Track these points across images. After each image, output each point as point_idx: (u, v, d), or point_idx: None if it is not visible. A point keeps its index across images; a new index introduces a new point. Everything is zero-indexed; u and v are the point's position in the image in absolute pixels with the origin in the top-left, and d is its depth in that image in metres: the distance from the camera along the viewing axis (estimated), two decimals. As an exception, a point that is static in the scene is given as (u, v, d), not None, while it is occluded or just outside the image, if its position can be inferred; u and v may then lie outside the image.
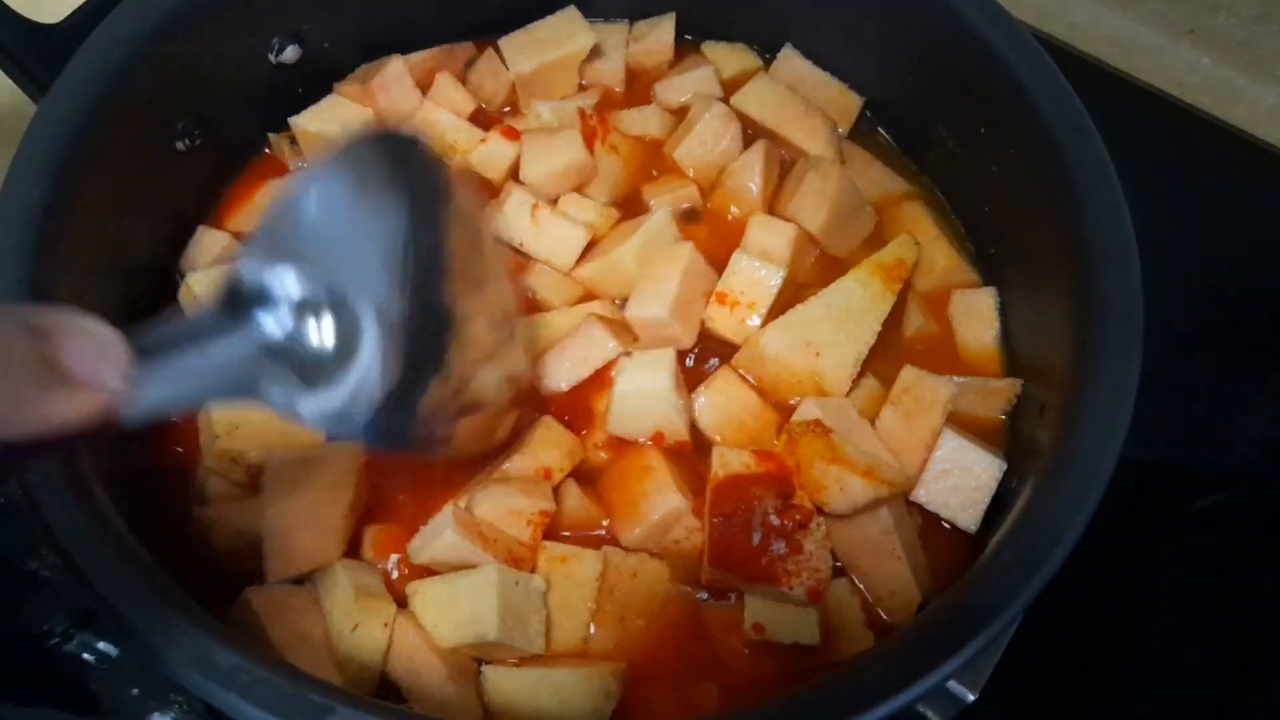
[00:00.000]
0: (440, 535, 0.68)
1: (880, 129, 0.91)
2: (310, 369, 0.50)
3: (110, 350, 0.40)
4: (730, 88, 0.91)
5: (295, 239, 0.51)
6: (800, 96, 0.88)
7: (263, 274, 0.50)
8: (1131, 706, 0.72)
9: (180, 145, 0.81)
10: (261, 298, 0.49)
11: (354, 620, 0.66)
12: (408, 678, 0.67)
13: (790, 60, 0.91)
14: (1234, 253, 1.01)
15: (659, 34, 0.93)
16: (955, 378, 0.76)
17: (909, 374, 0.74)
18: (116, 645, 0.78)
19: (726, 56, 0.94)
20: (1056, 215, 0.71)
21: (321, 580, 0.68)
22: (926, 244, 0.83)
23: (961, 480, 0.71)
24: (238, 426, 0.72)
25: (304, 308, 0.50)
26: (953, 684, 0.61)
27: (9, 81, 0.80)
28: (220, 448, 0.71)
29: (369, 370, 0.51)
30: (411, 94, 0.88)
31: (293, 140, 0.86)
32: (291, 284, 0.50)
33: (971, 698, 0.62)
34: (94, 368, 0.39)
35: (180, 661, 0.54)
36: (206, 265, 0.81)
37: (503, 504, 0.70)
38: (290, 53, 0.85)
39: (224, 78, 0.82)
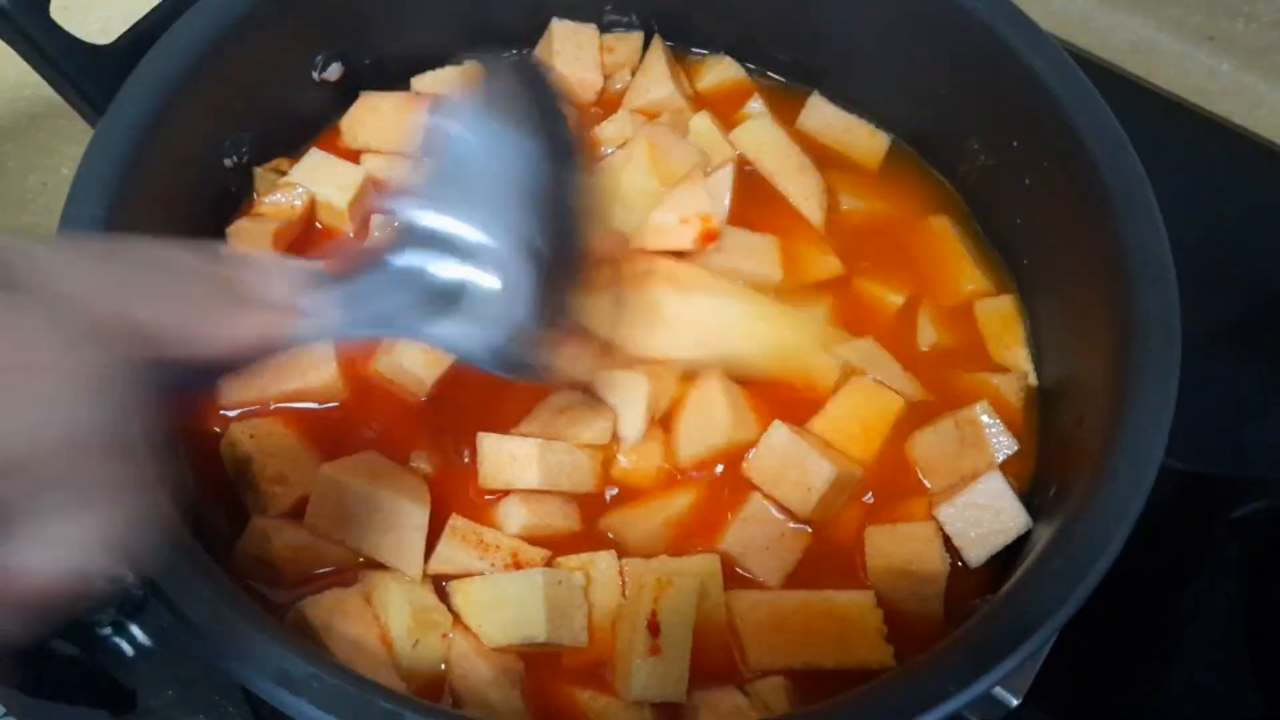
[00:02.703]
0: (436, 549, 0.71)
1: (909, 143, 0.92)
2: (451, 298, 0.55)
3: (286, 276, 0.46)
4: (708, 98, 0.92)
5: (447, 179, 0.55)
6: (797, 150, 0.89)
7: (423, 217, 0.54)
8: (1172, 711, 0.73)
9: (228, 162, 0.83)
10: (422, 239, 0.54)
11: (415, 636, 0.68)
12: (459, 682, 0.69)
13: (818, 107, 0.92)
14: (1257, 257, 1.02)
15: (630, 45, 0.93)
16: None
17: (983, 411, 0.76)
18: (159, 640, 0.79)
19: (710, 66, 0.94)
20: (1092, 229, 0.72)
21: (377, 597, 0.70)
22: (953, 260, 0.85)
23: (986, 518, 0.72)
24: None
25: (456, 248, 0.55)
26: (997, 689, 0.63)
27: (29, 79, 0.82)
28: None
29: (510, 304, 0.55)
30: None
31: (278, 170, 0.86)
32: (449, 228, 0.54)
33: (1015, 702, 0.64)
34: (272, 290, 0.45)
35: (254, 670, 0.56)
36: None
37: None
38: (334, 69, 0.87)
39: (270, 95, 0.84)
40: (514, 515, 0.73)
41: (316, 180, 0.84)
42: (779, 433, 0.75)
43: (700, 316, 0.80)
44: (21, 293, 0.36)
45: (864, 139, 0.91)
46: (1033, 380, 0.81)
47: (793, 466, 0.74)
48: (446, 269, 0.54)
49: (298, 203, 0.83)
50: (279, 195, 0.83)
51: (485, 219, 0.55)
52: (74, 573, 0.36)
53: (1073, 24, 1.22)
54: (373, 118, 0.87)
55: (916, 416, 0.79)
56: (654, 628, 0.68)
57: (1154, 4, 1.22)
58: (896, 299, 0.84)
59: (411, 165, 0.58)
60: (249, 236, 0.81)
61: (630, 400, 0.76)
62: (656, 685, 0.67)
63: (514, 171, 0.56)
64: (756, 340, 0.81)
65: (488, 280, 0.55)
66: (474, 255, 0.55)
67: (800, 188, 0.87)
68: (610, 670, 0.70)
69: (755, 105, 0.92)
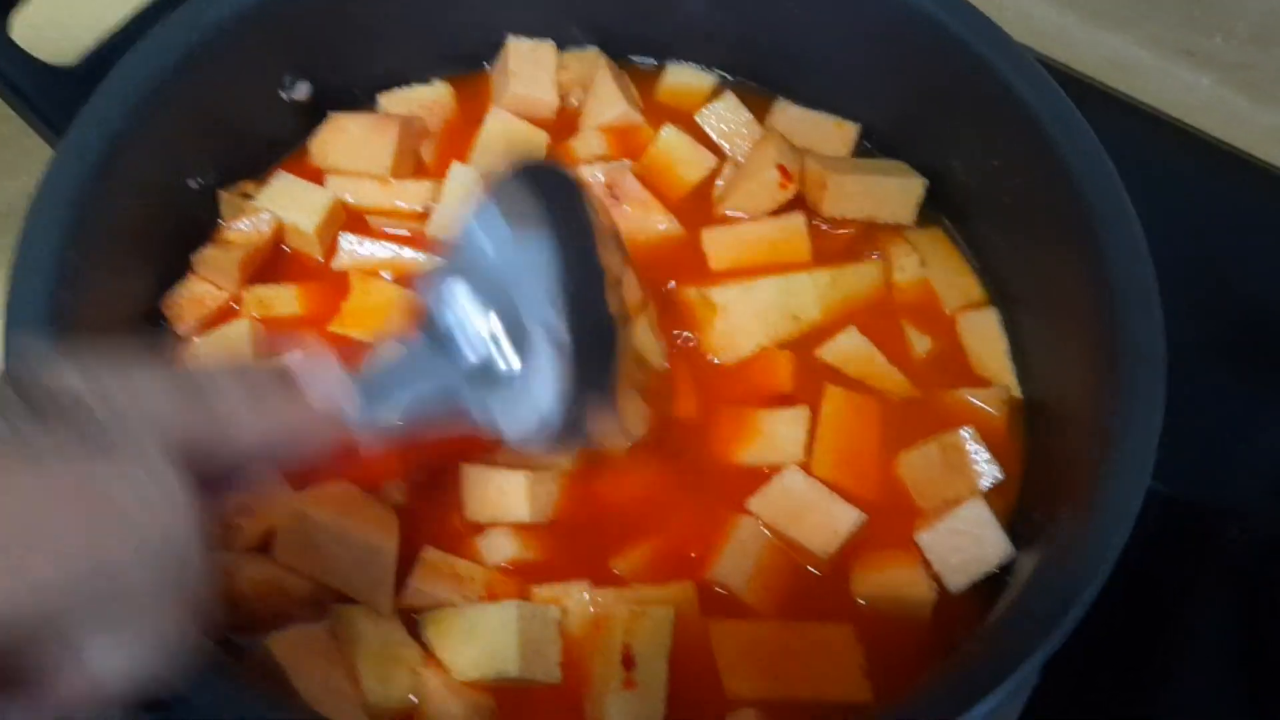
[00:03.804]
0: (406, 583, 0.70)
1: (889, 159, 0.90)
2: (497, 387, 0.58)
3: (339, 380, 0.51)
4: (669, 107, 0.91)
5: (469, 274, 0.58)
6: (763, 127, 0.90)
7: (451, 306, 0.58)
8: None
9: (193, 184, 0.81)
10: (450, 328, 0.58)
11: (383, 673, 0.67)
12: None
13: (783, 111, 0.92)
14: (1234, 272, 1.01)
15: (584, 62, 0.92)
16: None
17: (969, 438, 0.74)
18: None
19: (670, 74, 0.94)
20: (1074, 250, 0.71)
21: (344, 632, 0.68)
22: (953, 268, 0.85)
23: (968, 545, 0.71)
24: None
25: (490, 333, 0.58)
26: (984, 722, 0.62)
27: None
28: None
29: (550, 384, 0.58)
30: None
31: (244, 195, 0.84)
32: (476, 313, 0.58)
33: (1001, 737, 0.63)
34: (328, 396, 0.50)
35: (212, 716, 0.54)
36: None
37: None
38: (302, 90, 0.85)
39: (236, 116, 0.83)
40: (501, 547, 0.72)
41: (283, 205, 0.82)
42: (794, 477, 0.74)
43: (767, 299, 0.82)
44: (102, 432, 0.40)
45: (831, 130, 0.90)
46: (1016, 393, 0.80)
47: (812, 509, 0.73)
48: (475, 349, 0.57)
49: (264, 228, 0.81)
50: (245, 221, 0.81)
51: (506, 301, 0.58)
52: (135, 679, 0.39)
53: (1052, 39, 1.21)
54: (342, 139, 0.85)
55: (904, 427, 0.78)
56: (628, 661, 0.67)
57: (1133, 20, 1.23)
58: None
59: (435, 259, 0.61)
60: (215, 264, 0.80)
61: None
62: None
63: (531, 259, 0.59)
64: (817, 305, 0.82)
65: (515, 358, 0.58)
66: (500, 335, 0.58)
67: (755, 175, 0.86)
68: (585, 705, 0.68)
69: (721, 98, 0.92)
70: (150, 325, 0.79)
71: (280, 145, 0.87)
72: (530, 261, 0.59)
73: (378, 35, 0.87)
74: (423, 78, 0.91)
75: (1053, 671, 0.63)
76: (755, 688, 0.68)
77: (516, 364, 0.58)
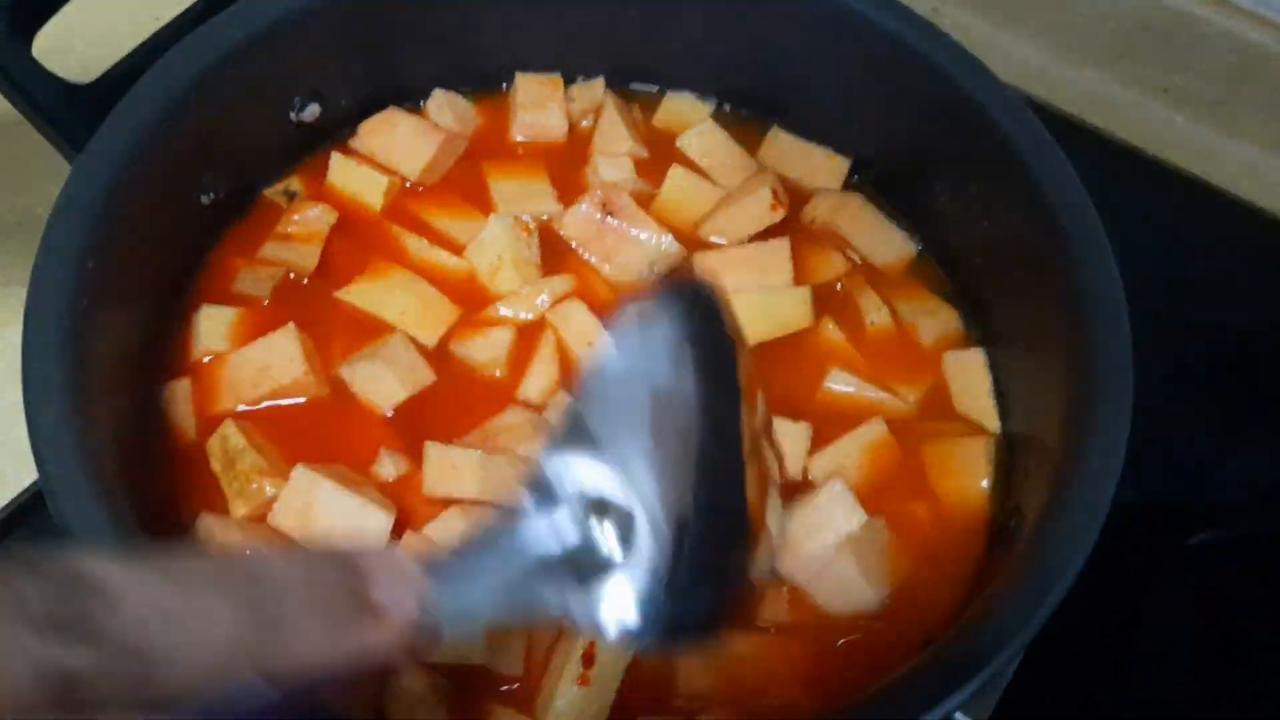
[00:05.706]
0: None
1: (872, 185, 0.94)
2: (585, 566, 0.50)
3: (411, 582, 0.44)
4: (668, 135, 0.95)
5: (594, 420, 0.52)
6: (743, 153, 0.93)
7: (561, 475, 0.51)
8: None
9: (204, 199, 0.84)
10: (556, 498, 0.51)
11: None
12: (390, 699, 0.68)
13: (777, 139, 0.96)
14: (1210, 301, 1.05)
15: (590, 93, 0.96)
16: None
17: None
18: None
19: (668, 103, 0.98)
20: (1048, 269, 0.75)
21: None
22: (935, 306, 0.88)
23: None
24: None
25: (594, 511, 0.51)
26: (959, 716, 0.64)
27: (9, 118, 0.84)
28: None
29: (646, 577, 0.50)
30: None
31: (287, 192, 0.89)
32: (585, 485, 0.51)
33: (978, 728, 0.65)
34: (398, 599, 0.43)
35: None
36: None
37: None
38: (311, 110, 0.89)
39: (247, 135, 0.86)
40: (455, 527, 0.73)
41: (352, 183, 0.88)
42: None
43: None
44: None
45: (822, 162, 0.94)
46: (995, 429, 0.82)
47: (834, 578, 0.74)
48: (574, 533, 0.50)
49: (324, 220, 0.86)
50: (306, 212, 0.86)
51: (629, 468, 0.51)
52: None
53: (1033, 77, 1.25)
54: (389, 131, 0.90)
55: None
56: (588, 659, 0.68)
57: (1110, 58, 1.26)
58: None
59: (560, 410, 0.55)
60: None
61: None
62: (576, 715, 0.68)
63: (668, 414, 0.52)
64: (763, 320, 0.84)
65: (618, 546, 0.51)
66: (616, 518, 0.51)
67: (748, 190, 0.89)
68: (536, 694, 0.70)
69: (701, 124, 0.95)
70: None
71: (291, 162, 0.91)
72: (663, 423, 0.52)
73: (387, 60, 0.91)
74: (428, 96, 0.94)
75: (1028, 665, 0.66)
76: (710, 690, 0.70)
77: (618, 553, 0.50)
